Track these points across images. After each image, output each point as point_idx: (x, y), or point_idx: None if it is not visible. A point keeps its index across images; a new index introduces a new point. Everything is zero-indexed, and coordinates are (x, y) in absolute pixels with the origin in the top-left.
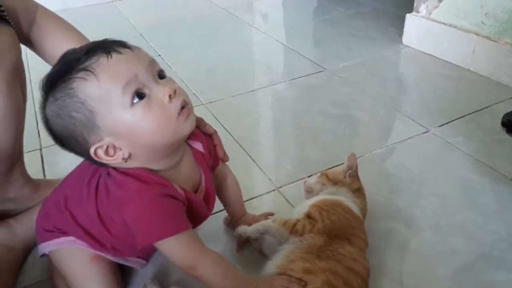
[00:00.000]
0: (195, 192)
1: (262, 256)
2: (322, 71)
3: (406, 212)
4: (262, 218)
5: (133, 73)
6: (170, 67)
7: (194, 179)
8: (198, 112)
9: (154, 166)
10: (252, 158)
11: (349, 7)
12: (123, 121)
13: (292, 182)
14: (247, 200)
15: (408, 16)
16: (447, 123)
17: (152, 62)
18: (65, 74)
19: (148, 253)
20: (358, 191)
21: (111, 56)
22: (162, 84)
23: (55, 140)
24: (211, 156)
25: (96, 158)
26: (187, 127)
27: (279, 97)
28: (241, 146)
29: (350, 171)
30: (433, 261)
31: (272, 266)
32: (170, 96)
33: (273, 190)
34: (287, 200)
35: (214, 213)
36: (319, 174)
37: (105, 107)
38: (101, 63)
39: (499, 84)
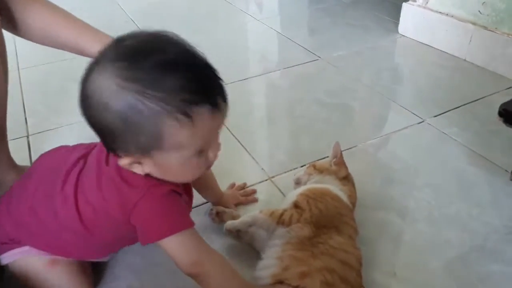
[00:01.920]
0: None
1: (253, 249)
2: (317, 60)
3: (400, 203)
4: (239, 196)
5: (213, 136)
6: None
7: None
8: None
9: None
10: (244, 148)
11: None
12: (174, 165)
13: (285, 172)
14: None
15: (404, 5)
16: (442, 113)
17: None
18: (164, 90)
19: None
20: (345, 179)
21: (213, 114)
22: (218, 141)
23: (83, 106)
24: None
25: (118, 160)
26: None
27: (273, 85)
28: (233, 135)
29: (334, 159)
30: (427, 253)
31: (266, 274)
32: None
33: (266, 180)
34: (279, 190)
35: (200, 205)
36: (307, 165)
37: (172, 150)
38: (203, 118)
39: (495, 74)
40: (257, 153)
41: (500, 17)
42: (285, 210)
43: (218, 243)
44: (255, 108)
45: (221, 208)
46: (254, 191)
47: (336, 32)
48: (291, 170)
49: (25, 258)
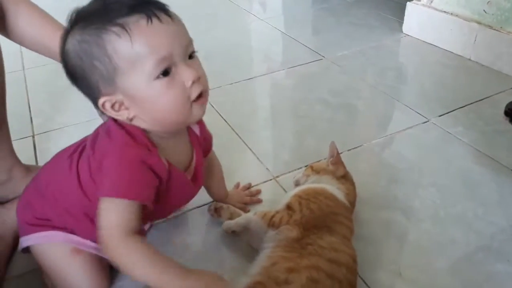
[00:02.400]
0: (185, 170)
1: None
2: (321, 59)
3: (405, 202)
4: (244, 196)
5: (169, 51)
6: None
7: (184, 157)
8: None
9: (151, 129)
10: (249, 147)
11: None
12: (142, 89)
13: (290, 172)
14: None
15: (408, 4)
16: (447, 113)
17: (190, 43)
18: (100, 19)
19: None
20: (343, 178)
21: (151, 21)
22: (189, 66)
23: (68, 74)
24: (205, 141)
25: (101, 109)
26: (199, 114)
27: (277, 85)
28: (238, 134)
29: (331, 158)
30: (432, 252)
31: (257, 267)
32: (193, 81)
33: (270, 180)
34: (284, 189)
35: (204, 205)
36: (305, 167)
37: (131, 69)
38: (140, 25)
39: (500, 73)
40: (262, 152)
41: (505, 16)
42: (277, 212)
43: (221, 237)
44: (259, 108)
45: (219, 204)
46: (258, 191)
47: (340, 32)
48: (295, 169)
49: (49, 243)
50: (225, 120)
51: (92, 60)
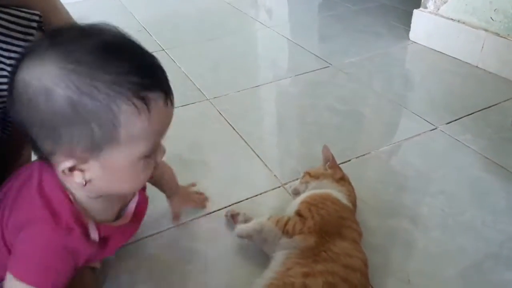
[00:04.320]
0: (121, 210)
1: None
2: (328, 66)
3: (413, 210)
4: (193, 194)
5: (163, 134)
6: (174, 62)
7: (123, 200)
8: (202, 107)
9: (91, 195)
10: (257, 154)
11: (355, 3)
12: (124, 164)
13: (297, 179)
14: (252, 197)
15: (415, 12)
16: (455, 120)
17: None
18: (117, 73)
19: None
20: (342, 180)
21: (168, 103)
22: (161, 145)
23: (15, 102)
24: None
25: (57, 166)
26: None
27: (284, 92)
28: (246, 142)
29: (328, 163)
30: (441, 260)
31: (271, 271)
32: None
33: (278, 187)
34: (292, 196)
35: (214, 212)
36: (302, 174)
37: (127, 144)
38: (158, 105)
39: (508, 81)
40: (270, 160)
41: None
42: (289, 218)
43: (230, 244)
44: (267, 115)
45: (235, 211)
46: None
47: (347, 39)
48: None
49: None
50: (233, 127)
51: (89, 120)
